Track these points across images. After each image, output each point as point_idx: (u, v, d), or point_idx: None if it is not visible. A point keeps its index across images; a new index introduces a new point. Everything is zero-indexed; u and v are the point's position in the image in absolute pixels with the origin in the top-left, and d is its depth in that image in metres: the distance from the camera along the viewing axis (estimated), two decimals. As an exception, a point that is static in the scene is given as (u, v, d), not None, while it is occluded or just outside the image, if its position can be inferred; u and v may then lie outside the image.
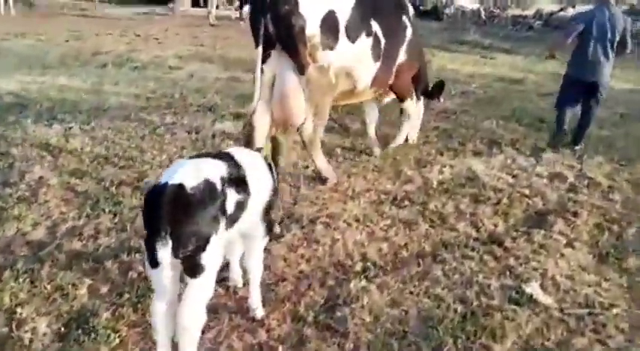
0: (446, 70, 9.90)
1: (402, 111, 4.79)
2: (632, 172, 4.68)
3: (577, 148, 5.20)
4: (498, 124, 6.06)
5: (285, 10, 3.10)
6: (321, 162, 3.98)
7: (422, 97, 4.96)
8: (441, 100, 5.06)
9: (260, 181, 2.26)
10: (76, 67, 8.31)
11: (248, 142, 3.40)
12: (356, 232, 3.32)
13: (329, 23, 3.33)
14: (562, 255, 3.16)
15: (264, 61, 3.26)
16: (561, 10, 22.29)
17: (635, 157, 5.11)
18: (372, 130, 4.91)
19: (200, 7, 22.25)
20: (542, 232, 3.42)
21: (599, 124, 6.10)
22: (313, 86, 3.36)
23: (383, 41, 3.80)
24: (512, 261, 3.05)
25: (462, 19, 23.49)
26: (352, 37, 3.51)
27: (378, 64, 3.84)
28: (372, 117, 4.87)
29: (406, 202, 3.81)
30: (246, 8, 19.52)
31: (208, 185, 1.89)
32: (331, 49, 3.38)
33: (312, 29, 3.22)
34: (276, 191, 2.47)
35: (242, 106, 6.20)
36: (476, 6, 24.78)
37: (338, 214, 3.54)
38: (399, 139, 4.91)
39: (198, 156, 2.30)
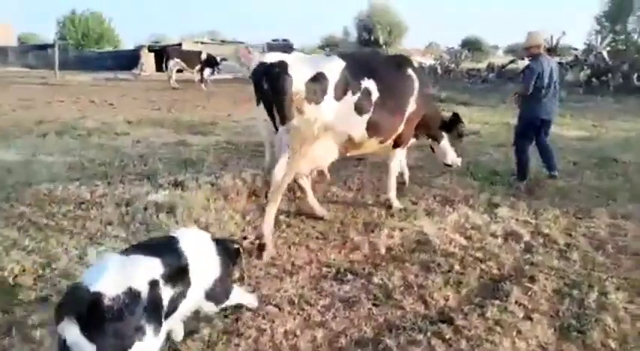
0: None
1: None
2: (589, 226, 4.46)
3: (556, 173, 5.91)
4: (452, 180, 5.87)
5: (276, 72, 3.70)
6: (269, 217, 3.89)
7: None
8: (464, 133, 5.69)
9: (203, 266, 2.26)
10: (13, 138, 7.87)
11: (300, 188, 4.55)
12: (288, 318, 2.89)
13: (315, 83, 3.81)
14: (519, 332, 2.80)
15: (268, 114, 3.85)
16: (511, 62, 23.43)
17: (590, 207, 4.94)
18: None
19: (164, 71, 22.33)
20: (497, 303, 3.07)
21: (553, 174, 6.01)
22: (294, 135, 3.77)
23: (376, 96, 4.18)
24: (463, 344, 2.67)
25: (420, 74, 24.31)
26: (338, 96, 3.93)
27: (367, 116, 4.17)
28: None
29: (349, 276, 3.43)
30: (207, 71, 19.85)
31: (131, 295, 1.81)
32: (317, 104, 3.82)
33: (298, 86, 3.72)
34: (224, 269, 2.49)
35: (183, 172, 5.87)
36: (432, 62, 25.93)
37: (270, 296, 3.12)
38: (391, 186, 4.95)
39: (137, 247, 2.22)
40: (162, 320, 1.97)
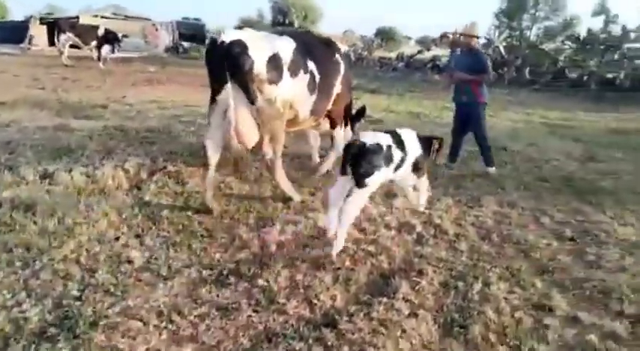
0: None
1: (332, 139, 5.41)
2: (478, 215, 4.58)
3: (492, 169, 5.99)
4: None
5: (236, 52, 3.78)
6: (284, 183, 4.58)
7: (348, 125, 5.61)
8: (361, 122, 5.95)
9: (413, 147, 3.85)
10: None
11: (206, 162, 4.18)
12: (153, 333, 2.54)
13: (273, 63, 3.98)
14: (404, 331, 2.70)
15: (217, 94, 3.95)
16: (419, 52, 24.33)
17: (480, 196, 5.09)
18: (315, 154, 5.76)
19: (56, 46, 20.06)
20: (385, 301, 2.96)
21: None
22: (264, 115, 4.05)
23: (318, 77, 4.48)
24: (345, 350, 2.51)
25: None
26: (293, 74, 4.17)
27: (314, 96, 4.50)
28: (316, 142, 5.80)
29: (232, 279, 3.13)
30: (106, 48, 18.17)
31: (378, 146, 3.47)
32: (276, 84, 4.03)
33: (259, 68, 3.88)
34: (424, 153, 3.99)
35: (57, 161, 5.17)
36: (346, 48, 26.14)
37: (135, 308, 2.74)
38: (326, 166, 5.49)
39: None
40: (392, 170, 3.62)
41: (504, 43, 20.98)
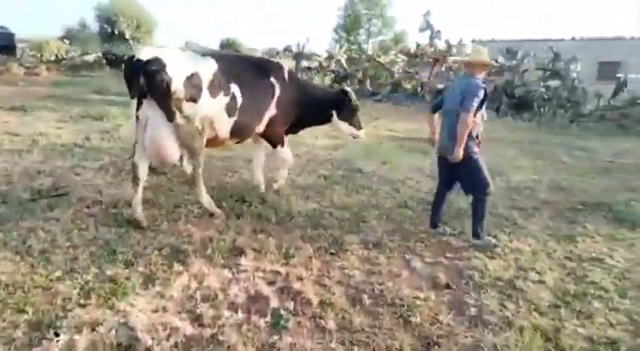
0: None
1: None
2: (343, 266, 3.80)
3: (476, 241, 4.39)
4: (188, 218, 4.58)
5: (153, 70, 3.83)
6: (204, 198, 4.60)
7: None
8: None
9: None
10: None
11: (134, 177, 4.20)
12: None
13: (192, 82, 4.05)
14: None
15: (137, 109, 4.00)
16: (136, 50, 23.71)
17: (343, 236, 4.35)
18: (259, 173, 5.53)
19: None
20: None
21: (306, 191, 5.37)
22: (182, 132, 4.10)
23: (240, 99, 4.52)
24: None
25: (175, 74, 22.42)
26: (213, 94, 4.24)
27: (235, 118, 4.54)
28: (258, 160, 5.55)
29: None
30: None
31: None
32: (195, 102, 4.09)
33: (177, 86, 3.92)
34: None
35: None
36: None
37: None
38: (280, 182, 5.63)
39: None
40: None
41: (345, 56, 21.63)
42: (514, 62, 16.19)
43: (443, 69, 16.43)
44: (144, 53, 3.93)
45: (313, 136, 9.36)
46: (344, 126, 5.75)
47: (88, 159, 6.46)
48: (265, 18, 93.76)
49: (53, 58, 29.35)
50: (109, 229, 4.10)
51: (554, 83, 15.67)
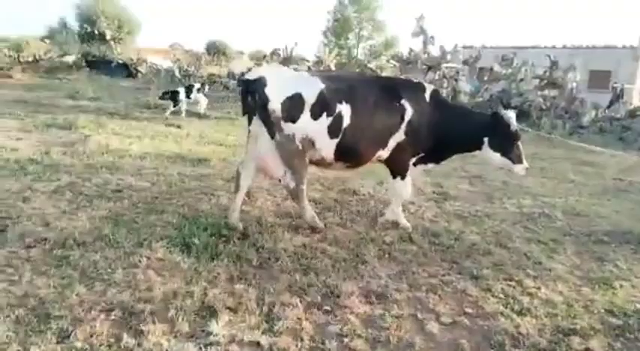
0: (110, 151, 7.32)
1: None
2: (341, 333, 3.02)
3: None
4: (150, 261, 3.75)
5: (255, 90, 4.14)
6: (308, 214, 4.62)
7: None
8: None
9: None
10: None
11: (236, 185, 4.55)
12: None
13: (292, 102, 4.18)
14: None
15: (249, 124, 4.36)
16: (249, 70, 22.99)
17: (338, 283, 3.58)
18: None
19: None
20: None
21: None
22: (281, 150, 4.25)
23: (348, 121, 4.33)
24: None
25: (157, 78, 21.56)
26: (314, 115, 4.24)
27: (336, 140, 4.36)
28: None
29: None
30: None
31: None
32: (293, 122, 4.19)
33: (274, 105, 4.13)
34: None
35: None
36: (169, 64, 23.42)
37: None
38: (387, 216, 5.08)
39: None
40: None
41: (335, 61, 20.94)
42: (510, 70, 15.64)
43: (436, 76, 15.79)
44: (252, 73, 4.39)
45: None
46: (496, 157, 4.73)
47: (42, 179, 5.60)
48: (252, 20, 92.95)
49: (31, 59, 28.22)
50: (47, 281, 3.27)
51: (551, 93, 15.15)
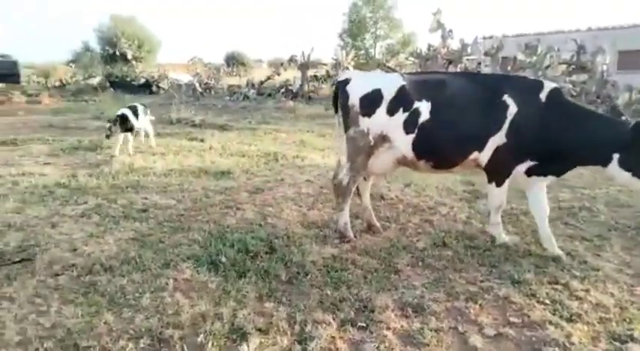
0: (134, 170, 7.34)
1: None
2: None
3: None
4: (179, 269, 3.68)
5: (340, 88, 4.50)
6: (343, 217, 4.59)
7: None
8: None
9: None
10: None
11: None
12: None
13: (369, 98, 4.30)
14: None
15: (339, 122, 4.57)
16: (269, 78, 23.05)
17: (371, 295, 3.41)
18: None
19: None
20: None
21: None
22: (352, 144, 4.39)
23: (427, 117, 4.18)
24: None
25: (178, 93, 21.84)
26: (390, 111, 4.25)
27: (412, 136, 4.22)
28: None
29: None
30: None
31: None
32: (368, 117, 4.29)
33: (353, 101, 4.35)
34: None
35: None
36: (189, 79, 23.70)
37: None
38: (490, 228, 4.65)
39: None
40: None
41: (353, 63, 20.76)
42: (534, 58, 15.10)
43: (458, 70, 15.39)
44: (342, 75, 4.70)
45: (320, 153, 8.47)
46: (626, 177, 3.86)
47: (69, 203, 5.63)
48: (269, 29, 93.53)
49: (58, 83, 29.10)
50: (75, 310, 3.22)
51: (580, 78, 14.53)
